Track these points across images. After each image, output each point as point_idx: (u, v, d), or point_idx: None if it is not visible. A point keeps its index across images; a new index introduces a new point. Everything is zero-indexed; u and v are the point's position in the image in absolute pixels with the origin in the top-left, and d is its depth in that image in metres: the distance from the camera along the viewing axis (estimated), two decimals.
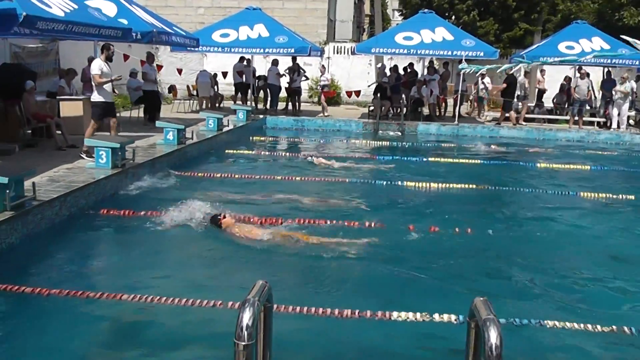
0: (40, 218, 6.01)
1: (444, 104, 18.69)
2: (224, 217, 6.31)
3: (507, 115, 16.78)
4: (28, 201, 5.92)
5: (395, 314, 4.24)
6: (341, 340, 4.17)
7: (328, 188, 8.78)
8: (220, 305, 4.32)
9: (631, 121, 18.02)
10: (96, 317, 4.37)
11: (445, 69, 19.54)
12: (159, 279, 5.13)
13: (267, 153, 12.17)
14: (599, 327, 4.19)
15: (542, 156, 12.75)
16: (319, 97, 19.13)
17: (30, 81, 10.24)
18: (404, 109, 16.60)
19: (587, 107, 17.49)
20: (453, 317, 4.19)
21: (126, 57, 15.04)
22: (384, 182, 9.16)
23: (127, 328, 4.30)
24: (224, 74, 18.92)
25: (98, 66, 9.20)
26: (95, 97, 9.32)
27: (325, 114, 17.62)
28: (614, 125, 16.49)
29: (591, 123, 17.32)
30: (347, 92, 19.37)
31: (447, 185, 9.08)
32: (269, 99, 18.18)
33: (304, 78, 18.23)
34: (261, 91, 18.49)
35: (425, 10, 18.80)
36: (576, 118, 16.98)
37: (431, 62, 19.00)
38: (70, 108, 11.22)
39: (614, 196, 8.70)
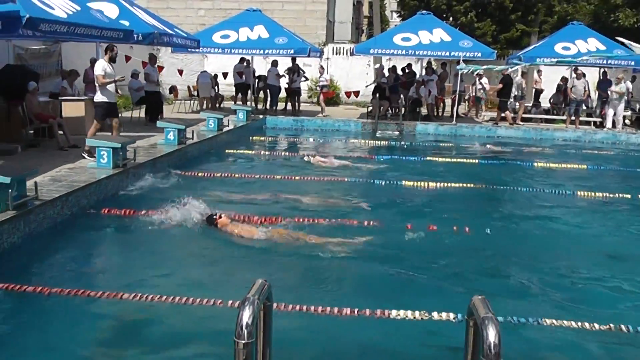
0: (42, 217, 6.03)
1: (442, 104, 18.75)
2: (220, 216, 6.33)
3: (503, 115, 16.85)
4: (30, 201, 5.95)
5: (394, 313, 4.25)
6: (340, 338, 4.19)
7: (327, 187, 8.81)
8: (220, 303, 4.34)
9: (627, 121, 18.10)
10: (97, 316, 4.40)
11: (443, 69, 19.59)
12: (160, 278, 5.15)
13: (266, 153, 12.20)
14: (596, 325, 4.20)
15: (538, 156, 12.79)
16: (318, 97, 19.18)
17: (33, 82, 10.28)
18: (403, 109, 16.66)
19: (584, 107, 17.56)
20: (452, 315, 4.20)
21: (128, 58, 15.08)
22: (383, 182, 9.18)
23: (127, 327, 4.32)
24: (225, 75, 18.97)
25: (102, 67, 9.24)
26: (99, 97, 9.36)
27: (323, 114, 17.66)
28: (608, 124, 16.55)
29: (588, 123, 17.38)
30: (346, 92, 19.42)
31: (445, 184, 9.10)
32: (269, 99, 18.22)
33: (303, 79, 18.27)
34: (261, 92, 18.53)
35: (423, 11, 18.84)
36: (573, 118, 17.04)
37: (429, 62, 19.05)
38: (72, 109, 11.27)
39: (611, 195, 8.74)
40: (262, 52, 17.10)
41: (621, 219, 7.76)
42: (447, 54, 16.64)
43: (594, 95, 18.50)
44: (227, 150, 11.75)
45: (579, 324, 4.24)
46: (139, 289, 4.59)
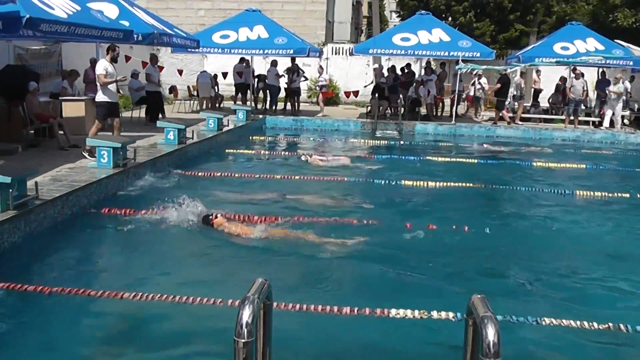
0: (43, 217, 6.05)
1: (441, 104, 18.77)
2: (216, 216, 6.34)
3: (500, 114, 16.90)
4: (31, 200, 5.97)
5: (393, 311, 4.25)
6: (340, 337, 4.21)
7: (327, 187, 8.82)
8: (220, 302, 4.35)
9: (626, 121, 18.13)
10: (98, 315, 4.42)
11: (442, 69, 19.60)
12: (160, 277, 5.17)
13: (266, 152, 12.21)
14: (595, 324, 4.21)
15: (537, 155, 12.81)
16: (318, 97, 19.19)
17: (33, 82, 10.29)
18: (402, 109, 16.67)
19: (583, 107, 17.58)
20: (451, 314, 4.21)
21: (128, 58, 15.10)
22: (382, 181, 9.19)
23: (128, 325, 4.34)
24: (224, 75, 18.99)
25: (103, 66, 9.26)
26: (100, 97, 9.37)
27: (322, 114, 17.67)
28: (606, 124, 16.57)
29: (586, 122, 17.41)
30: (345, 92, 19.43)
31: (445, 184, 9.12)
32: (269, 99, 18.24)
33: (303, 79, 18.29)
34: (261, 91, 18.55)
35: (422, 11, 18.87)
36: (572, 118, 17.06)
37: (428, 62, 19.07)
38: (72, 109, 11.29)
39: (610, 194, 8.77)
40: (261, 52, 17.13)
41: (620, 218, 7.77)
42: (446, 53, 16.66)
43: (593, 95, 18.53)
44: (227, 150, 11.77)
45: (578, 323, 4.24)
46: (140, 288, 4.60)
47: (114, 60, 9.44)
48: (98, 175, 7.54)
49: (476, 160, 11.69)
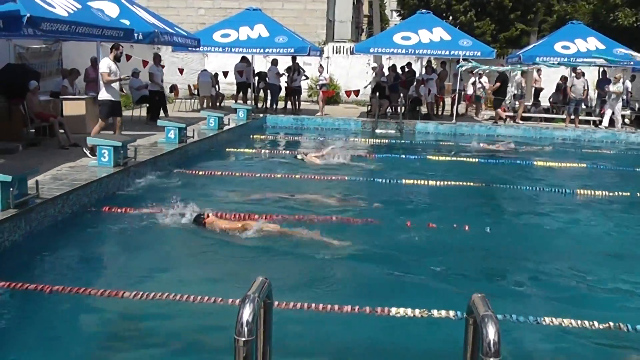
0: (43, 216, 6.05)
1: (441, 103, 18.77)
2: (208, 216, 6.32)
3: (495, 112, 16.91)
4: (31, 199, 5.97)
5: (394, 310, 4.26)
6: (341, 335, 4.22)
7: (327, 185, 8.82)
8: (220, 301, 4.35)
9: (626, 120, 18.13)
10: (98, 314, 4.43)
11: (443, 68, 19.58)
12: (160, 275, 5.19)
13: (267, 151, 12.21)
14: (596, 324, 4.21)
15: (537, 154, 12.81)
16: (318, 96, 19.20)
17: (33, 81, 10.29)
18: (402, 108, 16.68)
19: (583, 106, 17.58)
20: (451, 313, 4.21)
21: (129, 57, 15.10)
22: (382, 180, 9.19)
23: (128, 324, 4.35)
24: (225, 74, 18.98)
25: (107, 64, 9.27)
26: (103, 95, 9.38)
27: (321, 114, 17.65)
28: (605, 123, 16.56)
29: (587, 122, 17.41)
30: (346, 91, 19.43)
31: (445, 183, 9.13)
32: (269, 98, 18.24)
33: (303, 77, 18.30)
34: (261, 90, 18.55)
35: (423, 10, 18.85)
36: (572, 117, 17.07)
37: (429, 61, 19.05)
38: (73, 107, 11.29)
39: (610, 194, 8.77)
40: (262, 51, 17.13)
41: (620, 217, 7.79)
42: (447, 52, 16.64)
43: (594, 94, 18.52)
44: (227, 149, 11.77)
45: (579, 322, 4.24)
46: (140, 287, 4.61)
47: (117, 59, 9.45)
48: (99, 174, 7.55)
49: (477, 160, 11.69)
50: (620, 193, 8.84)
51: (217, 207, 6.88)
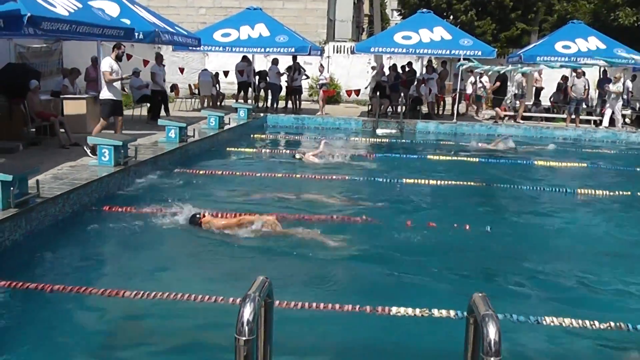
0: (44, 215, 6.06)
1: (442, 102, 18.77)
2: (204, 216, 6.31)
3: (494, 111, 16.91)
4: (32, 198, 5.98)
5: (394, 309, 4.26)
6: (341, 335, 4.22)
7: (327, 185, 8.82)
8: (221, 300, 4.36)
9: (627, 120, 18.12)
10: (99, 313, 4.42)
11: (444, 67, 19.59)
12: (161, 274, 5.19)
13: (267, 151, 12.22)
14: (596, 323, 4.22)
15: (538, 154, 12.80)
16: (318, 95, 19.20)
17: (34, 80, 10.31)
18: (403, 108, 16.67)
19: (584, 106, 17.58)
20: (452, 312, 4.21)
21: (129, 56, 15.10)
22: (383, 179, 9.19)
23: (129, 323, 4.36)
24: (225, 73, 18.97)
25: (109, 64, 9.27)
26: (105, 94, 9.38)
27: (320, 113, 17.65)
28: (605, 122, 16.56)
29: (588, 121, 17.40)
30: (346, 91, 19.43)
31: (446, 182, 9.13)
32: (270, 97, 18.25)
33: (304, 77, 18.30)
34: (262, 90, 18.55)
35: (424, 10, 18.87)
36: (573, 116, 17.06)
37: (429, 61, 19.05)
38: (73, 107, 11.29)
39: (611, 193, 8.77)
40: (262, 50, 17.13)
41: (621, 217, 7.78)
42: (448, 52, 16.64)
43: (594, 93, 18.50)
44: (228, 148, 11.77)
45: (579, 322, 4.24)
46: (141, 286, 4.61)
47: (118, 58, 9.46)
48: (99, 173, 7.54)
49: (477, 159, 11.68)
50: (620, 193, 8.84)
51: (218, 207, 6.88)
